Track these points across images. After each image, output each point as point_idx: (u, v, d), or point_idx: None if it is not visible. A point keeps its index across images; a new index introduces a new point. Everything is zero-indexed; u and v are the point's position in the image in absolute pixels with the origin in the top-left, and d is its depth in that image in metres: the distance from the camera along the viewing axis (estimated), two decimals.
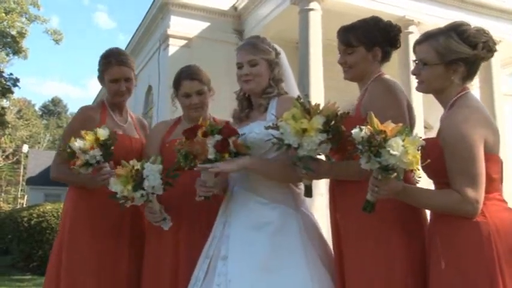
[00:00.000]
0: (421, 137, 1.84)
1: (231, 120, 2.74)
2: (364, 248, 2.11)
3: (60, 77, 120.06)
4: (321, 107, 2.13)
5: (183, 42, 13.21)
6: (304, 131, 2.03)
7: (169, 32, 13.27)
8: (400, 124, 1.86)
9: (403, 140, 1.79)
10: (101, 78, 2.90)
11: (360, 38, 2.28)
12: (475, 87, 12.61)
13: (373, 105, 2.16)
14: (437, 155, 1.94)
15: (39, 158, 34.66)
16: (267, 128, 2.19)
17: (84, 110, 2.91)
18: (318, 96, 10.61)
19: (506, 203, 2.00)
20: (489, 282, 1.81)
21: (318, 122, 2.03)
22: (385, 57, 2.34)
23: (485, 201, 1.89)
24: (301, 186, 2.34)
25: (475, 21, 2.34)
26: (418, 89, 2.12)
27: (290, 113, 2.07)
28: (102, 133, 2.51)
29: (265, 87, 2.48)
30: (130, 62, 2.91)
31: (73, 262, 2.65)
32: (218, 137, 2.20)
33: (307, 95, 2.31)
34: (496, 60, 12.93)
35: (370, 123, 1.86)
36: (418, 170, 1.85)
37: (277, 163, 2.29)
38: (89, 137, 2.44)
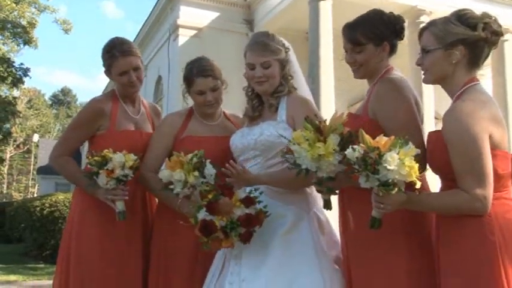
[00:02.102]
0: (416, 146, 1.83)
1: (240, 115, 2.74)
2: (370, 255, 2.11)
3: (69, 66, 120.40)
4: (328, 116, 2.06)
5: (193, 32, 13.17)
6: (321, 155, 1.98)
7: (179, 22, 13.23)
8: (392, 137, 1.83)
9: (398, 153, 1.77)
10: (108, 72, 2.79)
11: (368, 35, 2.22)
12: (487, 77, 12.50)
13: (382, 109, 2.14)
14: (442, 149, 1.90)
15: (50, 148, 34.63)
16: (283, 155, 2.14)
17: (93, 102, 2.81)
18: (328, 88, 10.58)
19: None
20: (493, 283, 1.78)
21: (333, 143, 1.96)
22: (393, 50, 2.30)
23: (492, 201, 1.83)
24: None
25: (487, 9, 2.28)
26: (424, 80, 2.07)
27: (302, 136, 1.99)
28: (133, 158, 2.50)
29: (277, 86, 2.47)
30: (135, 50, 2.77)
31: (82, 254, 2.63)
32: (243, 210, 2.18)
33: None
34: (508, 49, 12.78)
35: (363, 141, 1.84)
36: (419, 181, 1.78)
37: (286, 174, 2.21)
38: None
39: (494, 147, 1.85)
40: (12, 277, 8.29)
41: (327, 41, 10.79)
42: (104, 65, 2.80)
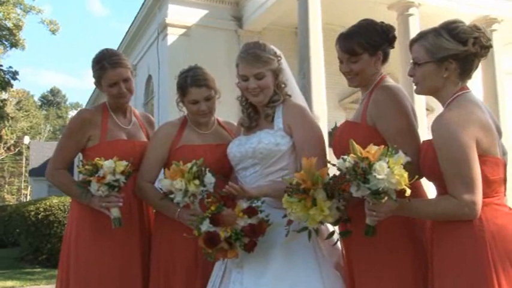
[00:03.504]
0: (405, 154, 1.87)
1: (232, 117, 2.76)
2: (375, 259, 2.14)
3: (55, 66, 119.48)
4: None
5: (182, 31, 13.12)
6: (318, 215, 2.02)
7: (168, 20, 13.18)
8: (382, 146, 1.88)
9: (388, 162, 1.81)
10: (98, 84, 2.79)
11: (363, 45, 2.26)
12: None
13: (380, 115, 2.19)
14: (433, 156, 1.94)
15: (41, 149, 34.81)
16: (286, 225, 2.16)
17: (81, 112, 2.81)
18: (319, 82, 10.60)
19: (506, 206, 1.97)
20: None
21: (323, 202, 2.00)
22: (386, 58, 2.34)
23: (483, 207, 1.86)
24: None
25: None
26: (416, 91, 2.12)
27: (293, 206, 2.03)
28: (123, 164, 2.51)
29: (272, 96, 2.48)
30: (125, 61, 2.78)
31: (80, 265, 2.64)
32: (246, 221, 2.20)
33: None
34: (497, 39, 12.87)
35: (353, 151, 1.88)
36: (409, 188, 1.83)
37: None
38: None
39: (483, 153, 1.88)
40: (9, 283, 8.27)
41: (316, 36, 10.79)
42: (94, 77, 2.81)
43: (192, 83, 2.65)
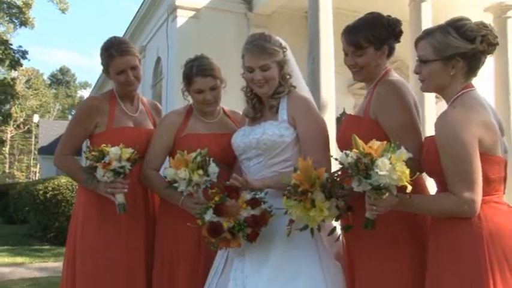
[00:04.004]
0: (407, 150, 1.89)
1: (240, 111, 2.78)
2: (374, 251, 2.17)
3: (65, 45, 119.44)
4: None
5: (191, 13, 13.01)
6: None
7: (177, 3, 13.06)
8: (385, 142, 1.90)
9: (390, 158, 1.83)
10: (106, 71, 2.83)
11: (369, 39, 2.25)
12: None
13: (383, 111, 2.20)
14: (434, 153, 1.95)
15: (50, 128, 35.00)
16: (289, 225, 2.18)
17: (89, 100, 2.84)
18: (328, 67, 10.53)
19: (505, 204, 1.98)
20: (479, 285, 1.84)
21: (321, 203, 2.03)
22: (391, 52, 2.34)
23: (482, 204, 1.88)
24: None
25: None
26: (422, 89, 2.12)
27: (293, 208, 2.07)
28: (129, 151, 2.55)
29: (277, 87, 2.50)
30: (133, 49, 2.82)
31: (86, 251, 2.69)
32: (249, 211, 2.24)
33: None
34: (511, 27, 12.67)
35: (356, 147, 1.90)
36: (410, 185, 1.85)
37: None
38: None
39: (484, 151, 1.90)
40: (19, 259, 8.47)
41: (326, 20, 10.67)
42: (102, 64, 2.84)
43: (198, 72, 2.67)
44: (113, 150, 2.52)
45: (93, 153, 2.56)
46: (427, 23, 11.22)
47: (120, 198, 2.59)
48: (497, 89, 11.81)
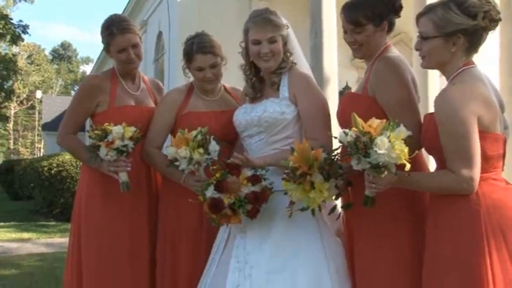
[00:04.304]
0: (406, 128, 1.90)
1: (241, 88, 2.77)
2: (373, 228, 2.20)
3: (65, 20, 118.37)
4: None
5: None
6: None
7: None
8: (384, 120, 1.90)
9: (389, 136, 1.84)
10: (107, 50, 2.82)
11: (368, 16, 2.23)
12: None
13: (380, 87, 2.19)
14: (434, 130, 1.95)
15: (53, 104, 35.00)
16: (289, 206, 2.21)
17: (91, 78, 2.86)
18: (330, 42, 10.43)
19: (503, 181, 1.99)
20: (475, 261, 1.85)
21: (320, 184, 2.04)
22: (391, 28, 2.32)
23: (480, 181, 1.89)
24: None
25: None
26: (423, 65, 2.10)
27: (292, 191, 2.09)
28: (132, 129, 2.56)
29: (279, 63, 2.49)
30: (133, 27, 2.81)
31: (90, 229, 2.73)
32: (250, 188, 2.25)
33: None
34: None
35: (355, 125, 1.90)
36: (409, 163, 1.86)
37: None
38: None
39: (483, 129, 1.90)
40: (25, 235, 8.60)
41: None
42: (103, 42, 2.83)
43: (198, 49, 2.66)
44: (116, 129, 2.53)
45: (96, 132, 2.57)
46: None
47: (123, 176, 2.61)
48: (502, 62, 11.67)
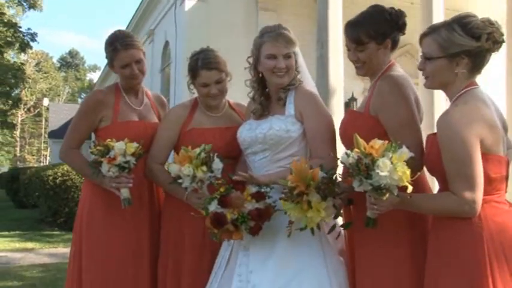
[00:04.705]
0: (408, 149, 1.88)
1: (246, 101, 2.74)
2: (374, 246, 2.17)
3: (74, 28, 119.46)
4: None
5: None
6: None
7: None
8: (386, 142, 1.89)
9: (391, 158, 1.82)
10: (111, 65, 2.85)
11: (370, 34, 2.22)
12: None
13: (382, 106, 2.17)
14: (436, 152, 1.93)
15: (60, 112, 35.20)
16: (288, 226, 2.19)
17: (94, 93, 2.86)
18: (336, 51, 10.42)
19: (506, 204, 1.97)
20: (478, 285, 1.81)
21: (317, 204, 2.03)
22: (395, 45, 2.31)
23: (483, 204, 1.87)
24: None
25: None
26: (426, 85, 2.09)
27: (290, 210, 2.07)
28: (134, 145, 2.55)
29: (291, 79, 2.49)
30: (137, 43, 2.82)
31: (92, 245, 2.72)
32: (253, 205, 2.23)
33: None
34: None
35: (357, 146, 1.89)
36: (411, 185, 1.84)
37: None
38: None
39: (486, 151, 1.88)
40: (29, 244, 8.58)
41: (336, 5, 10.53)
42: (107, 58, 2.85)
43: (203, 65, 2.65)
44: (118, 145, 2.52)
45: (98, 147, 2.56)
46: (438, 5, 11.06)
47: (125, 192, 2.60)
48: (509, 74, 11.58)
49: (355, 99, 12.88)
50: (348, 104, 12.87)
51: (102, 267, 2.70)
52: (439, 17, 10.40)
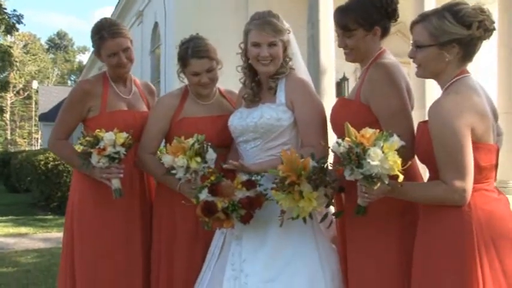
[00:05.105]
0: (399, 138, 1.89)
1: (238, 88, 2.72)
2: (364, 233, 2.19)
3: (61, 8, 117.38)
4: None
5: None
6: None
7: None
8: (377, 130, 1.89)
9: (382, 147, 1.83)
10: (98, 54, 2.79)
11: (357, 20, 2.20)
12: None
13: (373, 95, 2.16)
14: (427, 140, 1.93)
15: (50, 94, 34.83)
16: (280, 215, 2.19)
17: (81, 83, 2.81)
18: (327, 31, 10.37)
19: (495, 192, 1.98)
20: (467, 272, 1.84)
21: (309, 193, 2.04)
22: (385, 33, 2.28)
23: (472, 192, 1.88)
24: None
25: None
26: (417, 74, 2.08)
27: (282, 200, 2.08)
28: (124, 135, 2.53)
29: (278, 68, 2.46)
30: (124, 31, 2.76)
31: (83, 235, 2.72)
32: (244, 193, 2.24)
33: None
34: None
35: (348, 135, 1.89)
36: (402, 174, 1.85)
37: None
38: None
39: (477, 140, 1.88)
40: (23, 229, 8.58)
41: None
42: (94, 47, 2.80)
43: (193, 54, 2.61)
44: (107, 136, 2.50)
45: (87, 138, 2.55)
46: None
47: (116, 183, 2.59)
48: (500, 51, 11.58)
49: (347, 79, 12.87)
50: (339, 84, 12.86)
51: (95, 261, 2.69)
52: None
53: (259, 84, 2.54)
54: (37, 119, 38.96)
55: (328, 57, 10.40)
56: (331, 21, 10.29)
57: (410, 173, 2.04)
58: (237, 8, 11.40)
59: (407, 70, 2.29)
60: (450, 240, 1.90)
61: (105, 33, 2.70)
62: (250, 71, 2.53)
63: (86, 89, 2.78)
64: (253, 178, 2.28)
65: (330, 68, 10.47)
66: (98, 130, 2.54)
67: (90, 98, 2.74)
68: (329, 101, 9.94)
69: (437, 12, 1.97)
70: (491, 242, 1.87)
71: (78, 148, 2.61)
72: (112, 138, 2.50)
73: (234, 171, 2.30)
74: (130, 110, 2.82)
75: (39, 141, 42.02)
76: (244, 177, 2.28)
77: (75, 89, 2.85)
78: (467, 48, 1.96)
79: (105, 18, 2.84)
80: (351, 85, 12.47)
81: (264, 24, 2.41)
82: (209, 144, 2.43)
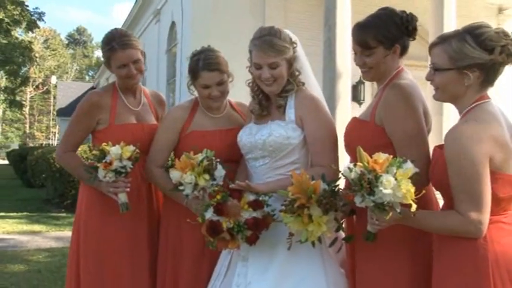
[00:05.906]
0: (412, 163, 1.81)
1: (247, 103, 2.66)
2: (375, 259, 2.11)
3: (81, 3, 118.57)
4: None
5: None
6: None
7: None
8: (391, 156, 1.80)
9: (395, 174, 1.75)
10: (108, 65, 2.76)
11: (378, 38, 2.11)
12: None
13: (389, 117, 2.08)
14: (442, 167, 1.84)
15: (68, 89, 35.26)
16: (289, 238, 2.13)
17: (90, 95, 2.77)
18: (343, 34, 10.25)
19: None
20: None
21: (319, 217, 1.97)
22: (404, 51, 2.19)
23: (489, 225, 1.78)
24: None
25: None
26: (435, 97, 1.98)
27: (291, 223, 2.02)
28: (130, 149, 2.50)
29: (285, 85, 2.38)
30: (135, 42, 2.72)
31: (89, 248, 2.69)
32: (251, 213, 2.19)
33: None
34: None
35: (360, 160, 1.81)
36: (415, 203, 1.76)
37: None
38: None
39: (495, 170, 1.78)
40: (36, 227, 8.66)
41: None
42: (104, 57, 2.77)
43: (204, 66, 2.56)
44: (114, 150, 2.47)
45: (93, 152, 2.52)
46: None
47: (122, 197, 2.56)
48: None
49: (363, 83, 12.69)
50: (355, 87, 12.72)
51: (101, 273, 2.67)
52: None
53: (268, 98, 2.47)
54: (55, 113, 39.45)
55: (344, 60, 10.26)
56: (348, 24, 10.23)
57: (425, 199, 1.94)
58: (254, 9, 11.35)
59: (424, 93, 2.20)
60: (465, 275, 1.81)
61: (115, 44, 2.66)
62: (259, 88, 2.45)
63: (94, 101, 2.74)
64: (260, 198, 2.22)
65: (346, 71, 10.33)
66: (105, 144, 2.51)
67: (99, 111, 2.71)
68: (344, 104, 9.84)
69: (458, 35, 1.87)
70: (507, 278, 1.78)
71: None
72: (118, 152, 2.47)
73: (240, 191, 2.24)
74: (139, 122, 2.78)
75: (57, 135, 42.51)
76: (251, 197, 2.21)
77: (84, 101, 2.80)
78: (489, 73, 1.86)
79: (116, 29, 2.80)
80: (367, 89, 12.31)
81: (263, 44, 2.32)
82: (218, 160, 2.37)
